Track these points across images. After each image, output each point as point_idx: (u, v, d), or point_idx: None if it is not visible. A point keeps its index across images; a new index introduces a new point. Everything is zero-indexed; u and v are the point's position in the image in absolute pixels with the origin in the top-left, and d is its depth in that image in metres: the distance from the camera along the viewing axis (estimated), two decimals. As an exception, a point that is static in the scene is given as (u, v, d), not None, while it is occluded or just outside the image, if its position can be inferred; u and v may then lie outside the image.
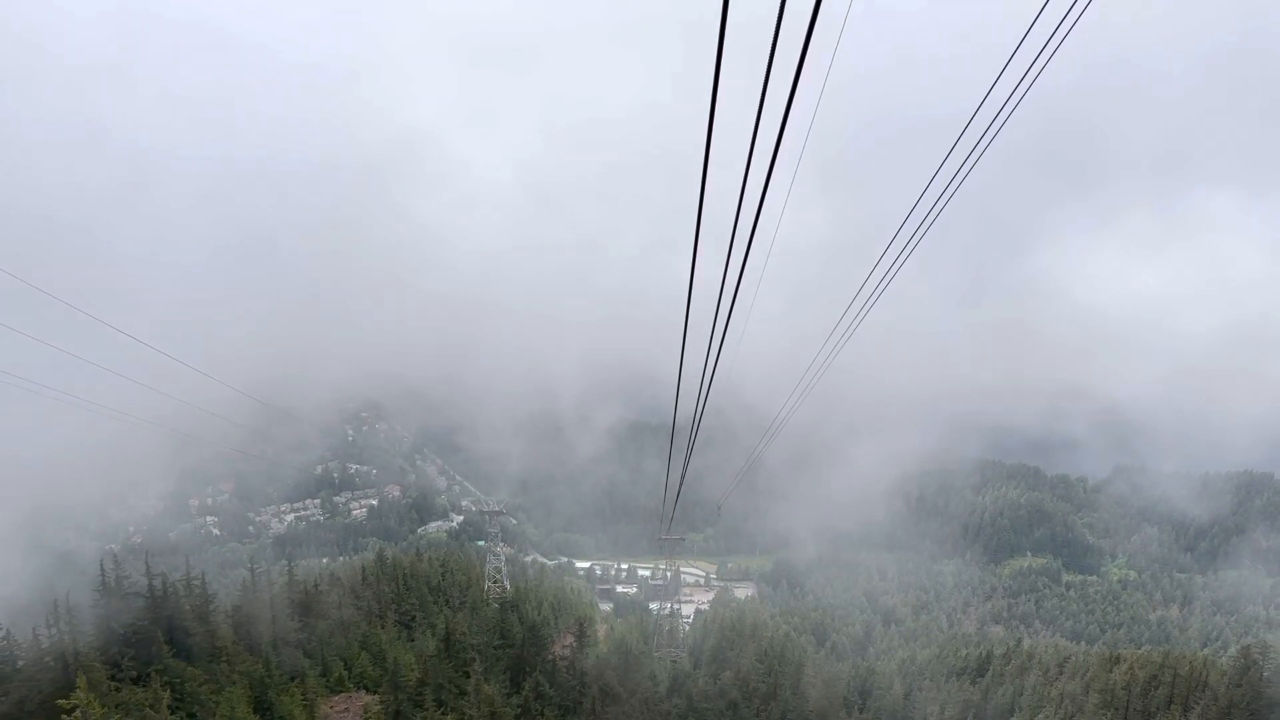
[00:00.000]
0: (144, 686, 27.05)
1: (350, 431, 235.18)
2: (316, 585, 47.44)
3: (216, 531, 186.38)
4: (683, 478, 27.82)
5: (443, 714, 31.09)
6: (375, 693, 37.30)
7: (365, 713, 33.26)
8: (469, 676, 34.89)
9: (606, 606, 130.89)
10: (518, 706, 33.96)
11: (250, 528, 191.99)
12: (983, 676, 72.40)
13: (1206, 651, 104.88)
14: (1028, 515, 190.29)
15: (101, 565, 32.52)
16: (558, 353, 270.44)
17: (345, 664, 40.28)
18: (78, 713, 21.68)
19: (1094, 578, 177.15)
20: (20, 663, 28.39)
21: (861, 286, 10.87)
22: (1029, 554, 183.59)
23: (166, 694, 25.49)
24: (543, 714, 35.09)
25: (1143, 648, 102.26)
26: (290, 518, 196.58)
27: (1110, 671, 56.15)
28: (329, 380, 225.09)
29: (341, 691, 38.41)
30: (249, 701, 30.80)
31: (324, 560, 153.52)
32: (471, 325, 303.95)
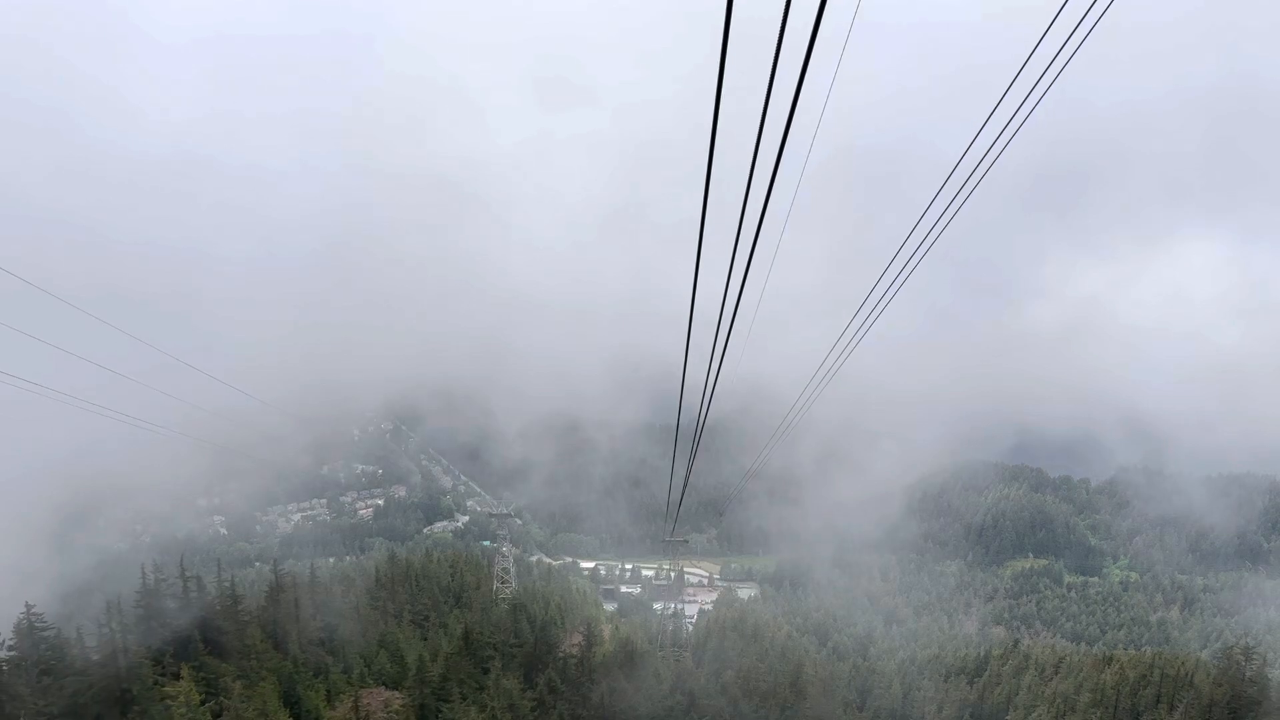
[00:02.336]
0: (181, 681, 29.11)
1: (356, 432, 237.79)
2: (335, 585, 49.46)
3: (224, 531, 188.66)
4: (686, 481, 29.06)
5: (466, 707, 33.06)
6: (394, 689, 39.28)
7: (387, 707, 35.21)
8: (488, 673, 36.89)
9: (610, 606, 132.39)
10: (533, 700, 35.94)
11: (258, 527, 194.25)
12: (980, 677, 73.96)
13: (1205, 653, 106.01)
14: (1030, 517, 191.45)
15: (142, 569, 34.60)
16: (583, 353, 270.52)
17: (365, 661, 42.27)
18: (181, 699, 23.77)
19: (1095, 579, 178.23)
20: (67, 659, 30.29)
21: (865, 298, 11.02)
22: (1031, 555, 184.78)
23: (237, 685, 27.51)
24: (555, 708, 37.08)
25: (1143, 649, 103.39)
26: (297, 517, 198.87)
27: (1102, 672, 57.75)
28: (369, 384, 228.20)
29: (362, 688, 40.34)
30: (278, 696, 32.75)
31: (330, 560, 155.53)
32: (501, 327, 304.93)
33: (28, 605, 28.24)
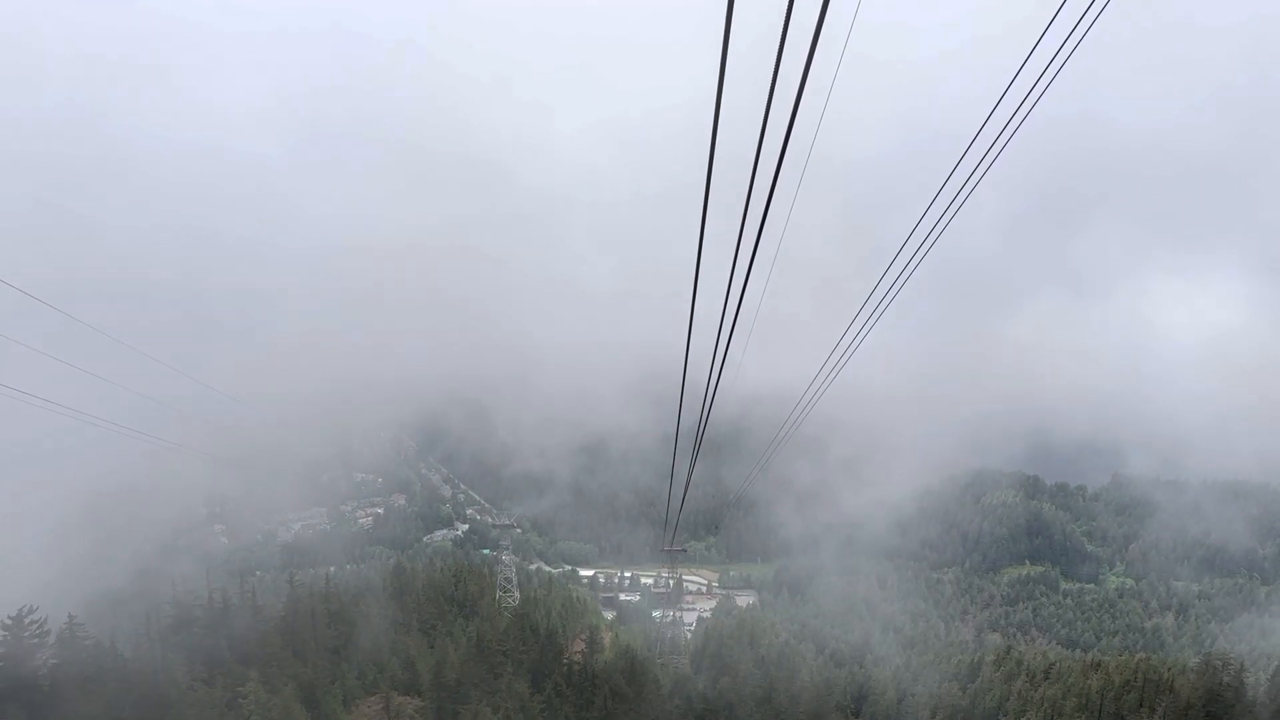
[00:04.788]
0: (212, 687, 30.86)
1: (356, 440, 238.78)
2: (345, 594, 51.19)
3: (225, 540, 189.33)
4: (685, 490, 30.54)
5: (481, 709, 34.88)
6: (406, 694, 41.01)
7: (401, 711, 37.01)
8: (499, 677, 38.67)
9: (610, 614, 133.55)
10: (541, 703, 37.74)
11: (258, 536, 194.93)
12: (973, 682, 75.52)
13: (1199, 659, 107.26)
14: (1026, 524, 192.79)
15: (172, 582, 36.39)
16: (603, 362, 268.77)
17: (378, 668, 43.97)
18: (250, 699, 25.62)
19: (1091, 586, 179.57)
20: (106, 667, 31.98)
21: (862, 307, 10.94)
22: (1027, 562, 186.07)
23: (288, 688, 29.30)
24: (561, 710, 38.87)
25: (1137, 655, 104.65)
26: (297, 526, 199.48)
27: (1089, 677, 59.41)
28: (383, 393, 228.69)
29: (375, 693, 42.07)
30: (299, 700, 34.41)
31: (332, 569, 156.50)
32: (518, 336, 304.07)
33: (70, 616, 30.02)
